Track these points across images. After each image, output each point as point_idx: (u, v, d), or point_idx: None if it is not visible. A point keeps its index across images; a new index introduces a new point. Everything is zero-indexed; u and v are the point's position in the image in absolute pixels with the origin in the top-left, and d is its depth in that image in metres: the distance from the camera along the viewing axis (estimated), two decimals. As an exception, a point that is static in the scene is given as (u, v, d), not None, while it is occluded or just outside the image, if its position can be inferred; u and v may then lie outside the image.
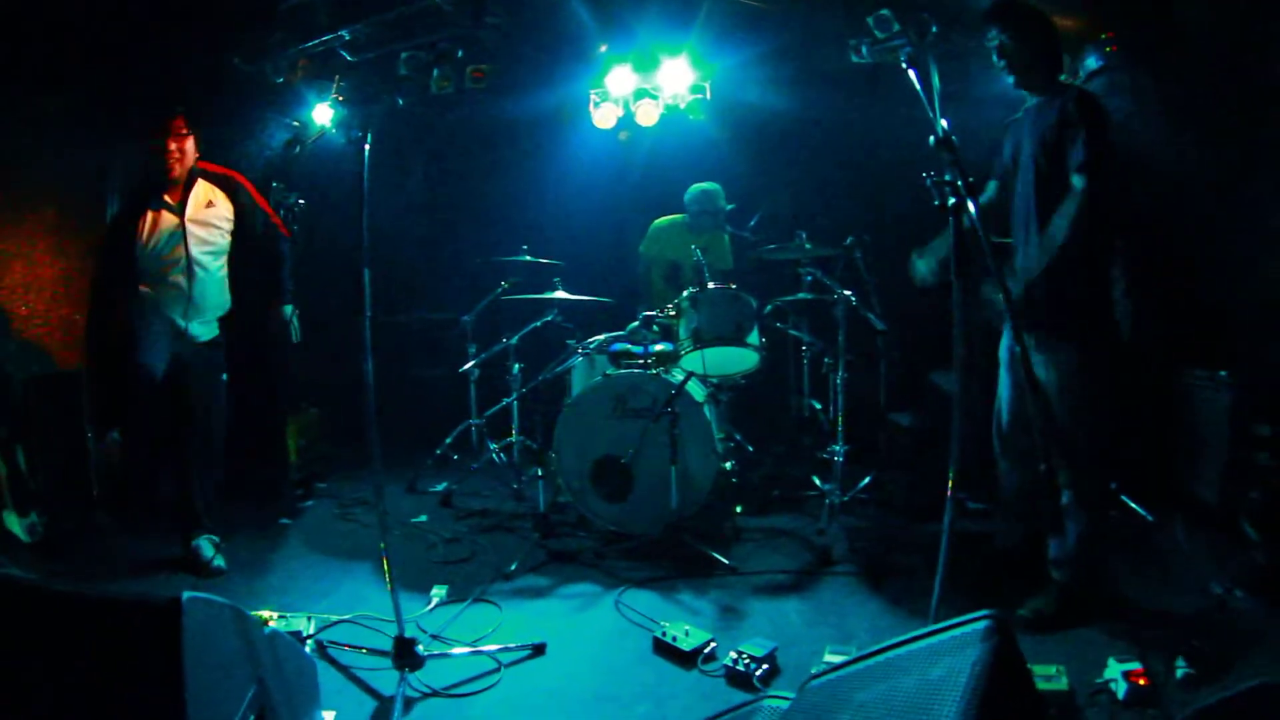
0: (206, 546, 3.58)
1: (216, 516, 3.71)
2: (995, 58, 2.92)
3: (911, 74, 2.57)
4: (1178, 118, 4.15)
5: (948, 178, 2.16)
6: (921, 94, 2.41)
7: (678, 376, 3.81)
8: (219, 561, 3.55)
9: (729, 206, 4.83)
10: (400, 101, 2.66)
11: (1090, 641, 2.73)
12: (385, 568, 2.63)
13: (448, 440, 4.97)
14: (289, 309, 3.95)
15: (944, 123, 2.23)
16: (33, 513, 3.75)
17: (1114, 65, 4.54)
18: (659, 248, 5.00)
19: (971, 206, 2.09)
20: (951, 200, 2.13)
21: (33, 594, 1.99)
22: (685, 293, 3.88)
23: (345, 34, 4.81)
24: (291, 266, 3.98)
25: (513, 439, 4.72)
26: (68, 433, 4.14)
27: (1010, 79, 2.94)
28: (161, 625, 1.81)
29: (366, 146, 2.72)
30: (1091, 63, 4.64)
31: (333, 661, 2.79)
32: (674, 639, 2.80)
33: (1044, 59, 2.90)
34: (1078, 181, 2.71)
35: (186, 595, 1.85)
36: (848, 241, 4.34)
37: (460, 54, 4.91)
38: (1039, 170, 2.87)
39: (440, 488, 4.65)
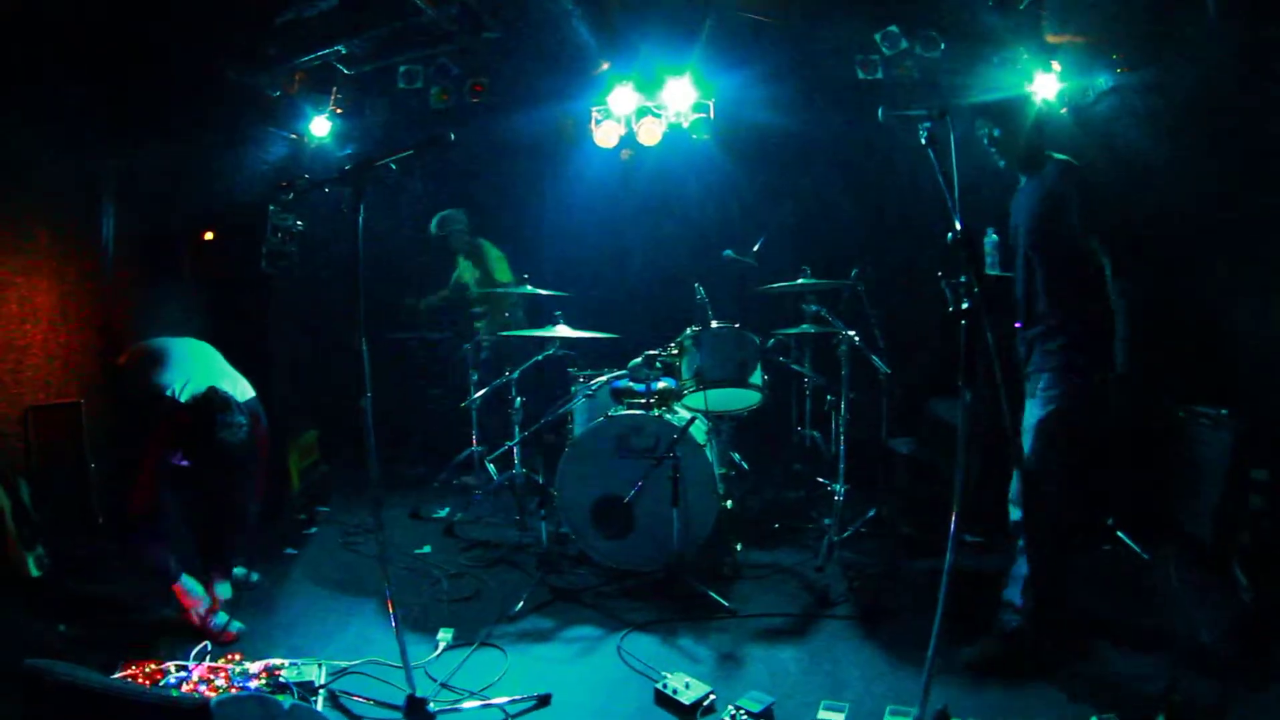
0: (226, 589, 3.53)
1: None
2: (985, 144, 3.05)
3: (930, 154, 2.50)
4: (1189, 148, 4.10)
5: (962, 279, 2.13)
6: (941, 181, 2.31)
7: (680, 417, 3.82)
8: (235, 625, 3.40)
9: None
10: (452, 136, 2.63)
11: (1070, 694, 2.78)
12: (394, 624, 2.68)
13: (455, 461, 5.00)
14: None
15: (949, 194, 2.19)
16: (39, 546, 3.74)
17: (1124, 87, 4.48)
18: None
19: (984, 314, 2.07)
20: (965, 304, 2.10)
21: (69, 692, 2.05)
22: (688, 330, 3.87)
23: (342, 48, 4.76)
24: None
25: (515, 471, 4.70)
26: (70, 463, 4.13)
27: (1001, 163, 3.07)
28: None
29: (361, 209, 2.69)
30: (1102, 82, 4.58)
31: (346, 711, 2.85)
32: (675, 691, 2.86)
33: (1029, 145, 3.03)
34: (1094, 243, 2.84)
35: (215, 700, 1.92)
36: (853, 274, 4.32)
37: (456, 71, 4.86)
38: (1031, 249, 3.02)
39: (443, 513, 4.69)
